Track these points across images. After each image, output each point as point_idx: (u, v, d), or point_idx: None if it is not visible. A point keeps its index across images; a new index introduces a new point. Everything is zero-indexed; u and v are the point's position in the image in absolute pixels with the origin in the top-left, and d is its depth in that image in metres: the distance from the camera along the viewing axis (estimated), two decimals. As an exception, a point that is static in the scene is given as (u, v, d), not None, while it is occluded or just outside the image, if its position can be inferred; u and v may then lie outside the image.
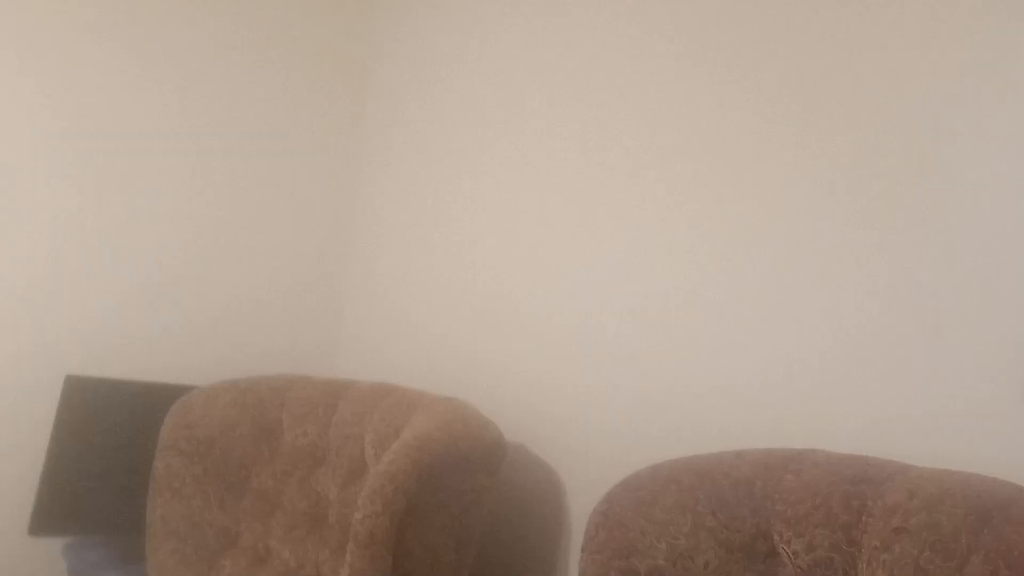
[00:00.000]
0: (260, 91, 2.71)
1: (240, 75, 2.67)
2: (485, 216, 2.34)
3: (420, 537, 1.66)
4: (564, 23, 2.19)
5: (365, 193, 2.82)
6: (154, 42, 2.54)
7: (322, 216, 2.83)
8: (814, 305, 1.57)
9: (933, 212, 1.42)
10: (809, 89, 1.63)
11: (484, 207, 2.35)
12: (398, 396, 2.06)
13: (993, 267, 1.33)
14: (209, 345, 2.62)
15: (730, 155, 1.75)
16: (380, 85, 2.82)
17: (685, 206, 1.83)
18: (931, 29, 1.46)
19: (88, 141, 2.45)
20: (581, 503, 1.91)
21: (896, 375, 1.43)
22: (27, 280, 2.38)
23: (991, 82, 1.38)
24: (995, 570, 1.03)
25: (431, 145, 2.57)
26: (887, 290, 1.46)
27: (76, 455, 2.28)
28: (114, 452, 2.31)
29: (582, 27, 2.14)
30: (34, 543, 2.30)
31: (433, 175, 2.53)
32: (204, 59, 2.60)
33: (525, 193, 2.22)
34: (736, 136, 1.75)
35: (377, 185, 2.77)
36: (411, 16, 2.74)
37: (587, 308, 2.00)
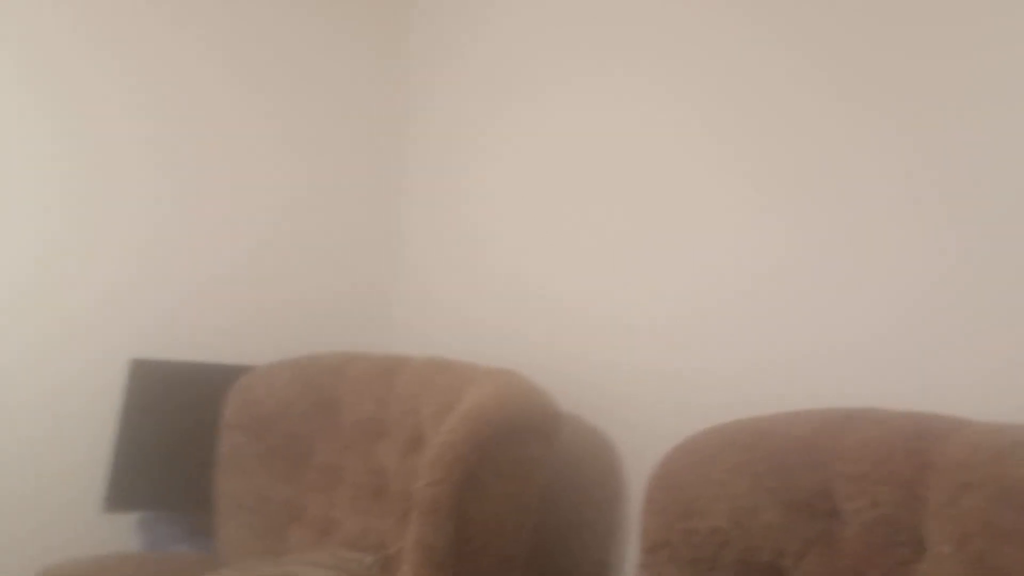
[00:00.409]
0: (307, 78, 2.77)
1: (289, 68, 2.74)
2: (535, 188, 2.34)
3: (480, 505, 1.69)
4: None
5: (414, 171, 2.84)
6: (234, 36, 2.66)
7: (372, 197, 2.87)
8: (876, 274, 1.54)
9: (998, 181, 1.39)
10: (881, 46, 1.59)
11: (534, 178, 2.35)
12: (453, 370, 2.09)
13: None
14: (267, 326, 2.68)
15: (799, 116, 1.72)
16: (423, 64, 2.84)
17: (745, 172, 1.81)
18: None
19: (162, 134, 2.56)
20: (637, 470, 1.92)
21: (959, 340, 1.40)
22: (96, 269, 2.48)
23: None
24: (1065, 520, 1.02)
25: (479, 119, 2.57)
26: (954, 257, 1.43)
27: (145, 435, 2.36)
28: (180, 431, 2.38)
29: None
30: (109, 519, 2.39)
31: (482, 148, 2.54)
32: (268, 47, 2.70)
33: (577, 161, 2.21)
34: (802, 97, 1.72)
35: (425, 162, 2.80)
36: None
37: (642, 276, 2.00)
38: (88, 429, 2.43)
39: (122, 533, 2.44)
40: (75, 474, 2.44)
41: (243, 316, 2.66)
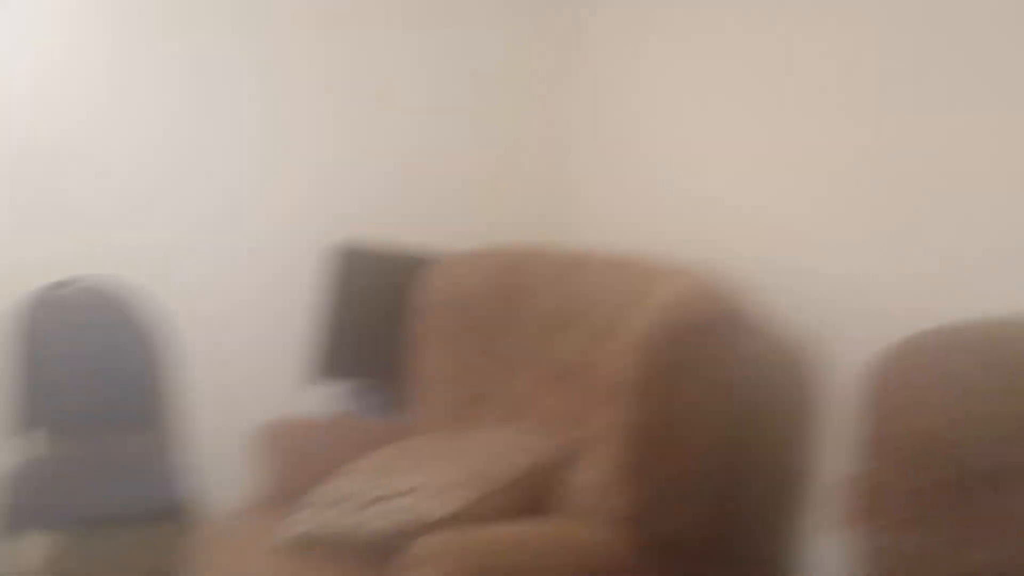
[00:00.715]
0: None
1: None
2: (723, 62, 2.27)
3: (681, 392, 1.73)
4: None
5: (591, 59, 2.82)
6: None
7: (552, 89, 2.89)
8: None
9: None
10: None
11: (709, 78, 2.30)
12: (641, 265, 2.11)
13: None
14: (458, 218, 2.79)
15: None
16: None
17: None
18: None
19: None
20: (833, 371, 1.90)
21: None
22: (308, 163, 2.67)
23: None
24: None
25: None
26: None
27: (349, 314, 2.56)
28: (380, 311, 2.55)
29: None
30: (315, 386, 2.60)
31: (663, 20, 2.50)
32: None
33: (774, 28, 2.14)
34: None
35: (603, 44, 2.77)
36: None
37: (819, 182, 1.96)
38: (302, 308, 2.65)
39: (325, 401, 2.66)
40: (290, 348, 2.68)
41: (435, 208, 2.79)
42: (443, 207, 2.80)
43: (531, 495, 1.80)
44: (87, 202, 2.48)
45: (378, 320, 2.55)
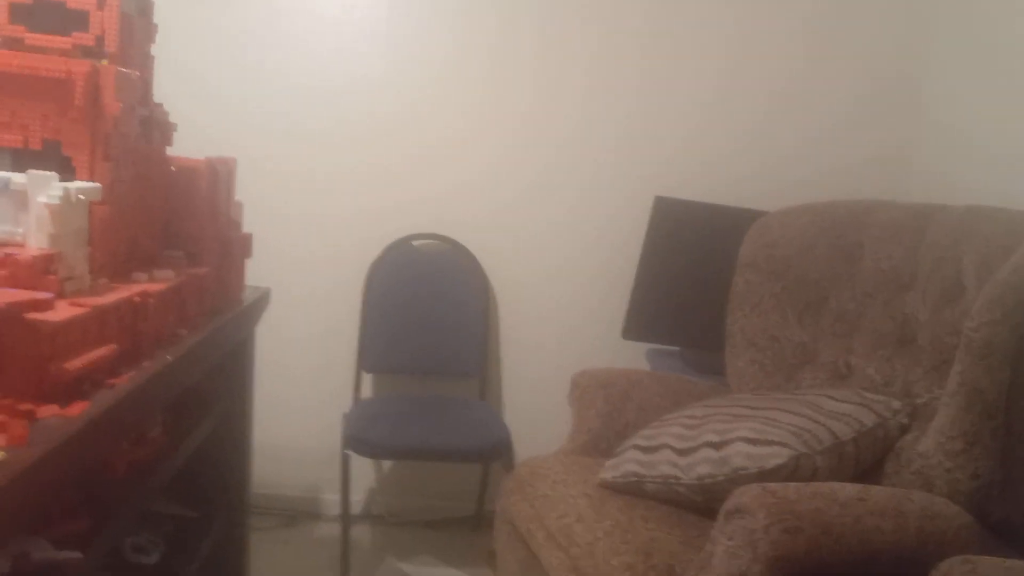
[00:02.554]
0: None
1: None
2: None
3: (1035, 357, 1.51)
4: None
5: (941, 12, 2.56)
6: None
7: (892, 35, 2.67)
8: None
9: None
10: None
11: None
12: (1006, 216, 1.87)
13: None
14: (782, 172, 2.67)
15: None
16: None
17: None
18: None
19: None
20: None
21: None
22: (625, 116, 2.67)
23: None
24: None
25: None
26: None
27: (661, 270, 2.51)
28: (694, 271, 2.50)
29: None
30: (625, 345, 2.62)
31: None
32: None
33: None
34: None
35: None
36: None
37: None
38: (617, 263, 2.69)
39: (637, 360, 2.67)
40: (602, 302, 2.73)
41: (760, 162, 2.69)
42: (769, 164, 2.69)
43: (861, 460, 1.66)
44: (439, 173, 2.70)
45: (693, 279, 2.50)
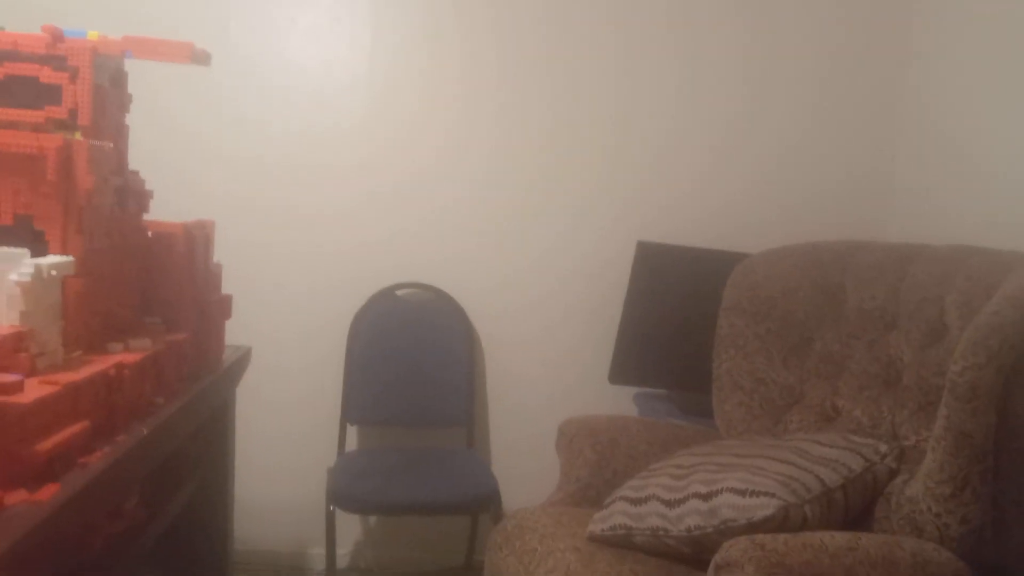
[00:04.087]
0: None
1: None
2: None
3: (1014, 402, 1.51)
4: None
5: (916, 49, 2.59)
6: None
7: (868, 72, 2.70)
8: None
9: None
10: None
11: None
12: (986, 256, 1.88)
13: None
14: (763, 213, 2.69)
15: None
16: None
17: None
18: None
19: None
20: None
21: None
22: (605, 160, 2.69)
23: None
24: None
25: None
26: None
27: (646, 314, 2.52)
28: (679, 313, 2.50)
29: None
30: (612, 388, 2.61)
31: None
32: None
33: None
34: None
35: (931, 36, 2.53)
36: None
37: None
38: (602, 307, 2.69)
39: (624, 404, 2.66)
40: (587, 347, 2.72)
41: (740, 205, 2.70)
42: (750, 207, 2.71)
43: (850, 506, 1.65)
44: (415, 219, 2.70)
45: (678, 323, 2.50)
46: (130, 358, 1.19)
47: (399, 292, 2.68)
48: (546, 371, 2.74)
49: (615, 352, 2.55)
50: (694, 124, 2.68)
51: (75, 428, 1.00)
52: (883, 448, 1.77)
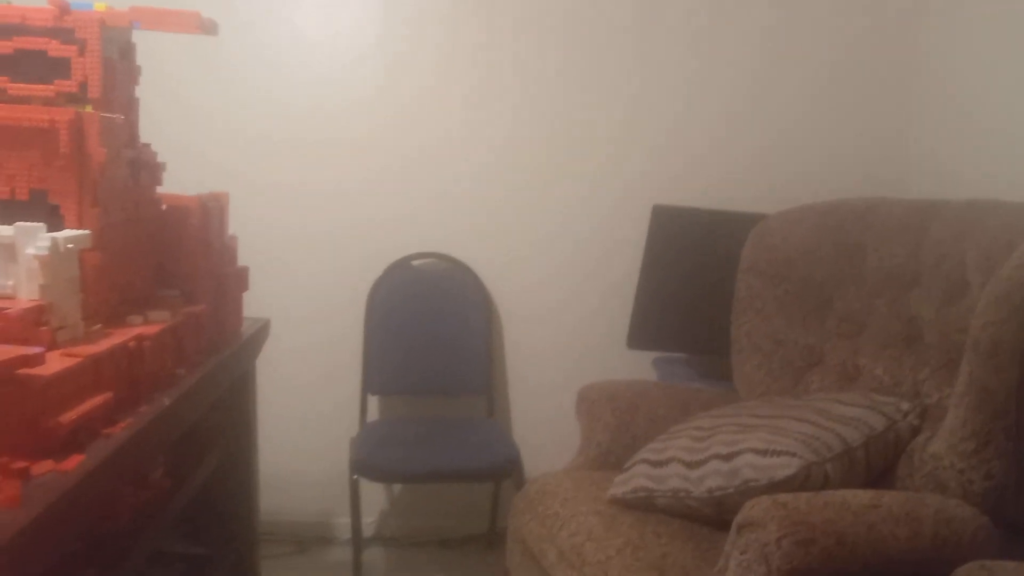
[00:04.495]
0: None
1: None
2: None
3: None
4: None
5: (933, 5, 2.54)
6: None
7: (884, 29, 2.65)
8: None
9: None
10: None
11: None
12: (1007, 211, 1.85)
13: None
14: (780, 174, 2.66)
15: None
16: None
17: None
18: None
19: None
20: None
21: None
22: (619, 123, 2.66)
23: None
24: None
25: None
26: None
27: (664, 278, 2.50)
28: (697, 277, 2.48)
29: None
30: (631, 353, 2.60)
31: None
32: None
33: None
34: None
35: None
36: None
37: None
38: (618, 272, 2.68)
39: (644, 369, 2.65)
40: (605, 312, 2.72)
41: (757, 165, 2.68)
42: (766, 167, 2.68)
43: (872, 464, 1.65)
44: (430, 190, 2.68)
45: (696, 286, 2.48)
46: (150, 330, 1.20)
47: (415, 262, 2.68)
48: (564, 337, 2.74)
49: (633, 317, 2.54)
50: (709, 86, 2.65)
51: (97, 400, 1.01)
52: (905, 406, 1.76)
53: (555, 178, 2.67)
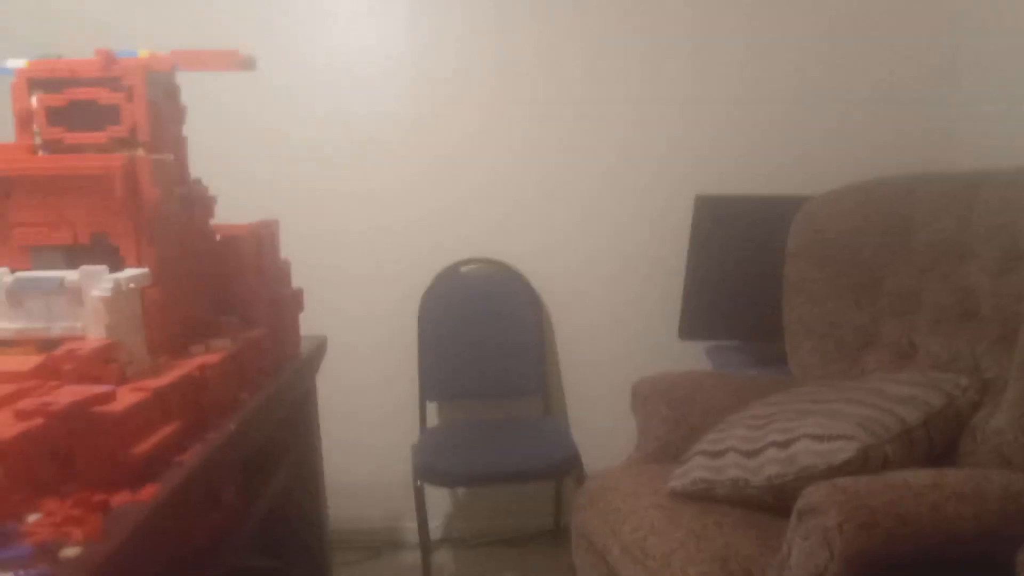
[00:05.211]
0: None
1: None
2: None
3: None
4: None
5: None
6: None
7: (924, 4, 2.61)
8: None
9: None
10: None
11: None
12: (1058, 175, 1.82)
13: None
14: (823, 156, 2.63)
15: None
16: None
17: None
18: None
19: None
20: None
21: None
22: (653, 115, 2.66)
23: None
24: None
25: None
26: None
27: (711, 267, 2.50)
28: (744, 264, 2.47)
29: None
30: (684, 344, 2.61)
31: None
32: None
33: None
34: None
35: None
36: None
37: None
38: (665, 264, 2.68)
39: (695, 359, 2.66)
40: (655, 305, 2.72)
41: (797, 147, 2.66)
42: (808, 150, 2.66)
43: (934, 443, 1.63)
44: (477, 196, 2.72)
45: (744, 273, 2.47)
46: (212, 358, 1.25)
47: (463, 268, 2.72)
48: (616, 332, 2.75)
49: (683, 308, 2.54)
50: (750, 72, 2.64)
51: (167, 430, 1.06)
52: (964, 381, 1.74)
53: (592, 174, 2.68)
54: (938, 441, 1.64)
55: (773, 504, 1.63)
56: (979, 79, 2.52)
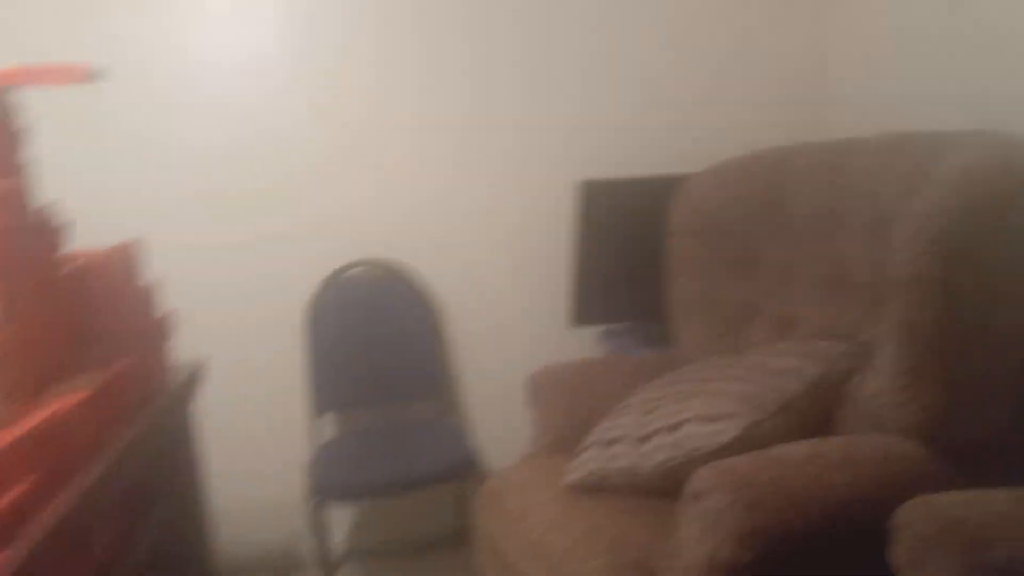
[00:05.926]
0: None
1: None
2: None
3: (973, 279, 1.52)
4: None
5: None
6: None
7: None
8: None
9: None
10: None
11: None
12: (919, 141, 1.88)
13: None
14: (699, 132, 2.67)
15: None
16: None
17: None
18: None
19: None
20: None
21: None
22: (527, 104, 2.65)
23: None
24: None
25: None
26: None
27: (598, 252, 2.51)
28: (631, 246, 2.50)
29: None
30: (577, 333, 2.62)
31: None
32: None
33: None
34: None
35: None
36: None
37: None
38: (554, 255, 2.68)
39: (588, 345, 2.67)
40: (547, 297, 2.72)
41: (674, 126, 2.69)
42: (685, 128, 2.69)
43: (812, 413, 1.68)
44: (350, 197, 2.63)
45: (630, 255, 2.50)
46: (72, 399, 1.18)
47: (348, 273, 2.64)
48: (510, 327, 2.73)
49: (572, 295, 2.55)
50: (616, 54, 2.65)
51: (18, 489, 0.99)
52: (842, 348, 1.79)
53: (472, 168, 2.65)
54: (820, 410, 1.69)
55: (668, 489, 1.65)
56: (851, 37, 2.60)
